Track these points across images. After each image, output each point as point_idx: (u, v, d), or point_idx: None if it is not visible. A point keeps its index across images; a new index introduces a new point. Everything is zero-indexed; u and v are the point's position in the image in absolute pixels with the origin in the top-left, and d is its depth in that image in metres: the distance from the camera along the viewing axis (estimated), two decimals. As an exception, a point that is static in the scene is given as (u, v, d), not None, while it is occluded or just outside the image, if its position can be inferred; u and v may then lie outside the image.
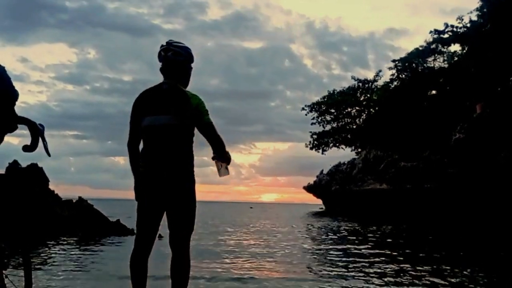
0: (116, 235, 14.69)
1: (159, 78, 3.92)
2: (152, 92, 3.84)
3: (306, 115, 53.41)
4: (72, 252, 10.75)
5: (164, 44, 3.87)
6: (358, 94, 52.52)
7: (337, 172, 46.94)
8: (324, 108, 53.00)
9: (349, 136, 51.77)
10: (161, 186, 3.68)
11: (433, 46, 40.33)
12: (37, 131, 3.03)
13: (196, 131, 3.82)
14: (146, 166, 3.75)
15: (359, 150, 48.88)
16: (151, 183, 3.71)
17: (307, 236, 17.43)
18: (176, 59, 3.83)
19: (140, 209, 3.77)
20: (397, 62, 43.32)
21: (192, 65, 3.97)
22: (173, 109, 3.69)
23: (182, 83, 3.87)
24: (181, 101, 3.71)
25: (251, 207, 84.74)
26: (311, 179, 52.28)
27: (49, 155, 3.16)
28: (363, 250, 11.94)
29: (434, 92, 39.70)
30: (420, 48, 41.33)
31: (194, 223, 3.84)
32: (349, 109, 52.67)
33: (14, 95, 2.90)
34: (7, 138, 3.00)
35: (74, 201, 16.05)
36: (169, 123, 3.68)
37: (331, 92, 53.67)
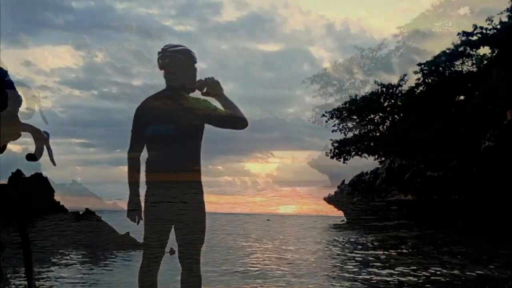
0: (126, 249, 14.71)
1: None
2: (155, 100, 3.85)
3: (326, 121, 53.17)
4: (78, 269, 10.78)
5: (160, 51, 3.88)
6: (382, 99, 52.05)
7: (360, 182, 46.49)
8: (345, 114, 52.70)
9: (372, 144, 51.36)
10: (167, 197, 3.67)
11: (461, 49, 39.96)
12: (41, 139, 3.05)
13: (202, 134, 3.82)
14: (151, 176, 3.76)
15: (383, 159, 48.44)
16: (157, 194, 3.71)
17: (332, 253, 17.31)
18: (174, 64, 3.84)
19: (147, 222, 3.77)
20: (423, 66, 42.96)
21: (196, 65, 3.96)
22: (175, 117, 3.69)
23: (187, 87, 3.88)
24: (184, 108, 3.70)
25: (268, 219, 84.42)
26: (332, 190, 51.96)
27: (54, 164, 3.17)
28: (394, 270, 11.83)
29: (462, 97, 39.38)
30: (448, 51, 41.00)
31: (205, 235, 3.82)
32: (372, 116, 52.17)
33: (17, 101, 2.92)
34: (9, 146, 3.02)
35: (81, 213, 16.13)
36: (172, 131, 3.69)
37: (353, 97, 53.43)
